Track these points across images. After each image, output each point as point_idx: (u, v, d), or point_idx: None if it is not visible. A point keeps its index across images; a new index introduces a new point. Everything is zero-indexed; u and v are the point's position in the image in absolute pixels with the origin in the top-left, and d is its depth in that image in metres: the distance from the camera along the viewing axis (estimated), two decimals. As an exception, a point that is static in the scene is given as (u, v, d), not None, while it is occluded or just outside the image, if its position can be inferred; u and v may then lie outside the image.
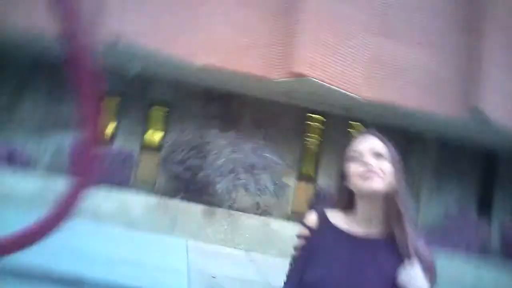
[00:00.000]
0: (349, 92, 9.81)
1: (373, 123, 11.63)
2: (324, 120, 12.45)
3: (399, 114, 10.61)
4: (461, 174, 12.52)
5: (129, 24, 9.05)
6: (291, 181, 11.47)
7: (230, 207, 9.59)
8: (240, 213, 9.53)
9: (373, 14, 10.11)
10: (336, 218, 1.42)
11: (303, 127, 12.38)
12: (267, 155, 9.82)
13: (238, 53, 9.76)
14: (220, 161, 9.24)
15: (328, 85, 9.56)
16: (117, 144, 11.42)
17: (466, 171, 12.57)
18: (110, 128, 12.12)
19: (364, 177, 1.33)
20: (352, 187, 1.38)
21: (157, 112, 12.17)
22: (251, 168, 9.48)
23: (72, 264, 5.28)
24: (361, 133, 1.46)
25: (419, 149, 12.47)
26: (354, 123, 12.12)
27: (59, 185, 9.04)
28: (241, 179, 9.33)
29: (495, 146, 11.89)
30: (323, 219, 1.42)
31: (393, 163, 1.37)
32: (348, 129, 12.07)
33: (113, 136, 11.72)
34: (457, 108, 9.90)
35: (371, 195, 1.33)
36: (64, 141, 10.75)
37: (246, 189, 9.43)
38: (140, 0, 9.30)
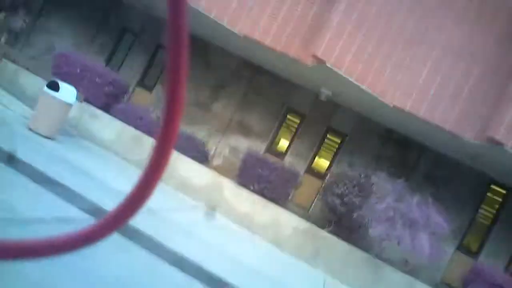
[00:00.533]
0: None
1: None
2: (507, 195, 11.13)
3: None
4: None
5: (337, 50, 9.36)
6: (450, 248, 10.53)
7: (377, 256, 9.21)
8: (386, 264, 9.09)
9: None
10: None
11: (480, 195, 11.25)
12: (432, 214, 9.15)
13: (435, 102, 9.34)
14: (381, 206, 8.92)
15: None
16: (287, 160, 11.90)
17: None
18: (285, 143, 12.74)
19: None
20: None
21: (332, 140, 12.35)
22: (411, 223, 8.95)
23: (220, 267, 5.65)
24: None
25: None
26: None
27: (228, 185, 9.67)
28: (397, 231, 8.88)
29: None
30: None
31: None
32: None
33: (286, 152, 12.26)
34: None
35: None
36: (240, 145, 11.58)
37: (400, 243, 8.94)
38: (352, 30, 9.51)
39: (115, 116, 10.21)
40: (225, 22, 10.02)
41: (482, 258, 10.82)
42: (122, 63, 13.64)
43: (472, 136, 9.05)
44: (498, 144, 8.61)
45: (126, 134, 10.02)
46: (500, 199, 11.29)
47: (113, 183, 6.95)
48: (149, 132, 9.96)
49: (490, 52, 9.40)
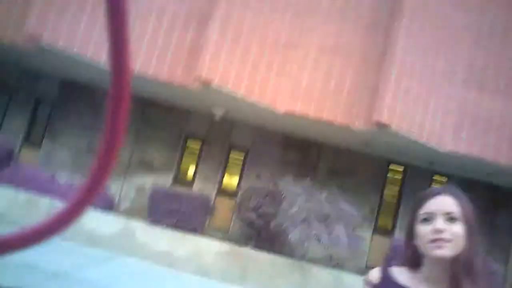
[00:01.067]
0: (433, 144, 9.38)
1: (459, 177, 10.95)
2: (405, 171, 11.92)
3: (488, 170, 9.88)
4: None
5: (219, 67, 9.42)
6: (367, 234, 11.01)
7: (302, 258, 9.34)
8: (312, 264, 9.26)
9: (470, 66, 9.70)
10: (401, 276, 1.41)
11: (382, 178, 11.94)
12: (342, 205, 9.52)
13: (321, 101, 9.76)
14: (293, 210, 9.09)
15: (410, 136, 9.24)
16: (196, 187, 11.74)
17: None
18: (190, 170, 12.57)
19: (434, 244, 1.30)
20: (420, 248, 1.35)
21: (235, 157, 12.41)
22: (324, 219, 9.23)
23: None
24: (434, 191, 1.39)
25: (510, 206, 11.46)
26: (438, 176, 11.48)
27: (139, 227, 9.40)
28: (313, 230, 9.09)
29: None
30: (387, 277, 1.42)
31: (467, 224, 1.32)
32: (431, 183, 11.44)
33: (193, 179, 12.09)
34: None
35: (439, 260, 1.31)
36: (146, 183, 11.27)
37: (319, 240, 9.16)
38: (232, 45, 9.64)
39: (3, 184, 9.41)
40: (103, 61, 9.70)
41: (397, 234, 11.44)
42: (0, 127, 12.66)
43: (361, 124, 9.57)
44: (385, 126, 9.18)
45: (19, 199, 9.27)
46: (400, 177, 12.06)
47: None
48: (44, 193, 9.29)
49: (361, 44, 10.06)
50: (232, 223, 11.46)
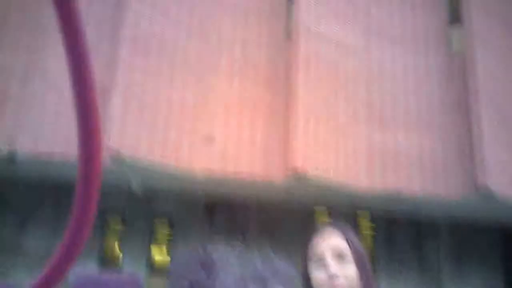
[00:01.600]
0: (350, 183, 9.72)
1: (381, 216, 11.43)
2: (329, 212, 12.20)
3: (405, 201, 10.44)
4: (481, 257, 12.09)
5: (129, 137, 9.03)
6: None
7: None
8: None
9: (370, 104, 10.28)
10: None
11: (312, 225, 12.09)
12: (277, 263, 9.44)
13: (238, 157, 9.74)
14: (230, 280, 8.85)
15: (328, 179, 9.50)
16: (126, 267, 11.06)
17: (486, 253, 12.15)
18: (115, 249, 11.84)
19: (328, 286, 1.23)
20: None
21: (161, 228, 11.93)
22: (262, 282, 9.08)
23: None
24: (320, 228, 1.34)
25: (433, 235, 12.14)
26: (360, 212, 11.90)
27: None
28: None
29: (509, 224, 11.59)
30: None
31: (358, 263, 1.27)
32: (354, 219, 11.82)
33: (122, 260, 11.39)
34: (464, 189, 9.76)
35: None
36: (70, 275, 10.38)
37: (262, 305, 8.99)
38: (139, 113, 9.32)
39: None
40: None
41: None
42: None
43: (280, 175, 9.64)
44: (301, 173, 9.33)
45: None
46: (328, 219, 12.29)
47: None
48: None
49: (265, 97, 10.35)
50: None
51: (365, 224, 12.25)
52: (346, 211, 11.70)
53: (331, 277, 1.23)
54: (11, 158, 9.35)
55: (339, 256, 1.27)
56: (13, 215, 11.24)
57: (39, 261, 10.71)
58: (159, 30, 9.91)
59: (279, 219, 11.76)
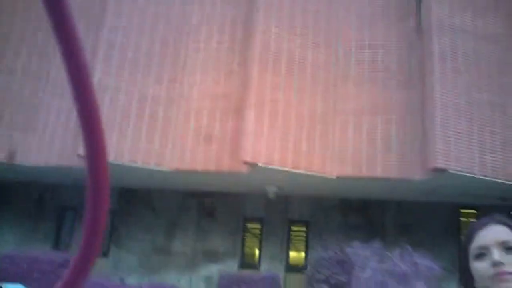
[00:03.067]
0: (500, 179, 8.91)
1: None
2: (478, 212, 11.22)
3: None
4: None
5: (263, 149, 9.60)
6: (452, 286, 10.18)
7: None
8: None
9: (502, 97, 9.50)
10: None
11: (455, 224, 11.26)
12: (419, 260, 8.95)
13: (372, 160, 9.67)
14: (367, 274, 8.63)
15: (471, 175, 8.84)
16: (263, 268, 11.52)
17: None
18: (255, 252, 12.43)
19: (497, 279, 1.14)
20: None
21: (298, 231, 12.21)
22: (402, 278, 8.66)
23: None
24: (482, 222, 1.25)
25: None
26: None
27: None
28: (392, 291, 8.52)
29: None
30: None
31: None
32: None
33: (259, 260, 11.90)
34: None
35: None
36: (213, 272, 11.17)
37: (401, 302, 8.55)
38: (270, 125, 9.86)
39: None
40: (152, 165, 10.17)
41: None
42: (70, 241, 13.24)
43: (418, 174, 9.27)
44: (442, 170, 8.86)
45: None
46: (474, 219, 11.33)
47: None
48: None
49: (398, 100, 10.10)
50: (306, 299, 10.95)
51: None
52: (497, 211, 10.60)
53: (496, 264, 1.16)
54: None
55: (505, 247, 1.19)
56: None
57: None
58: (286, 46, 10.40)
59: (420, 218, 11.16)
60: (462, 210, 11.41)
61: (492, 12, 10.22)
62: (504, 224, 1.23)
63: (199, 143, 10.15)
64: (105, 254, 12.83)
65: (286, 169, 9.60)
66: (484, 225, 1.25)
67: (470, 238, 1.26)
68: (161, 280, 10.87)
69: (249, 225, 12.53)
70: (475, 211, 11.30)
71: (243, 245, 12.31)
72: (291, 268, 11.74)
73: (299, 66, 10.19)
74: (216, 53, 10.66)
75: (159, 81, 10.45)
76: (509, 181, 8.95)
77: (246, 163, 9.53)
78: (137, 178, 11.14)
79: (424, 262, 8.86)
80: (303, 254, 11.91)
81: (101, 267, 12.31)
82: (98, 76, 9.88)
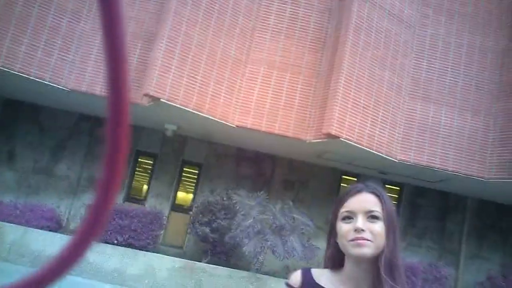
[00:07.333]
0: (383, 154, 9.65)
1: (410, 185, 11.29)
2: (357, 180, 12.18)
3: (437, 177, 10.25)
4: (504, 235, 11.92)
5: (169, 84, 9.33)
6: (322, 243, 11.10)
7: (258, 271, 9.29)
8: (269, 276, 9.21)
9: (407, 77, 10.15)
10: (323, 277, 1.38)
11: (336, 189, 12.12)
12: (296, 216, 9.58)
13: (272, 115, 9.88)
14: (247, 222, 9.06)
15: (361, 146, 9.46)
16: (149, 204, 11.52)
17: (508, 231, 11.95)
18: (143, 188, 12.35)
19: (355, 243, 1.26)
20: (341, 247, 1.32)
21: (190, 172, 12.30)
22: (279, 230, 9.24)
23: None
24: (356, 188, 1.36)
25: (459, 211, 11.96)
26: (389, 186, 11.80)
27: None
28: (268, 241, 9.08)
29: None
30: (308, 279, 1.39)
31: (388, 221, 1.29)
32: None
33: (146, 196, 11.86)
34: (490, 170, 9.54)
35: (359, 259, 1.27)
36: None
37: (274, 251, 9.16)
38: (180, 60, 9.57)
39: None
40: (47, 79, 9.47)
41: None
42: None
43: (312, 137, 9.73)
44: (335, 137, 9.37)
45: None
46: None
47: None
48: None
49: (309, 60, 10.32)
50: (186, 238, 11.27)
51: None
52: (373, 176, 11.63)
53: (357, 230, 1.26)
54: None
55: (370, 215, 1.29)
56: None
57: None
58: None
59: (306, 178, 11.85)
60: (344, 177, 12.25)
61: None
62: (375, 194, 1.33)
63: (101, 68, 9.58)
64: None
65: (189, 109, 9.49)
66: (358, 191, 1.34)
67: (342, 200, 1.36)
68: (39, 200, 10.42)
69: (142, 160, 12.32)
70: (355, 179, 12.22)
71: (131, 177, 12.14)
72: (177, 207, 11.88)
73: (220, 6, 9.89)
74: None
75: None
76: (390, 157, 9.72)
77: (147, 95, 9.23)
78: (28, 90, 10.31)
79: (301, 218, 9.50)
80: (191, 196, 12.07)
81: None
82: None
